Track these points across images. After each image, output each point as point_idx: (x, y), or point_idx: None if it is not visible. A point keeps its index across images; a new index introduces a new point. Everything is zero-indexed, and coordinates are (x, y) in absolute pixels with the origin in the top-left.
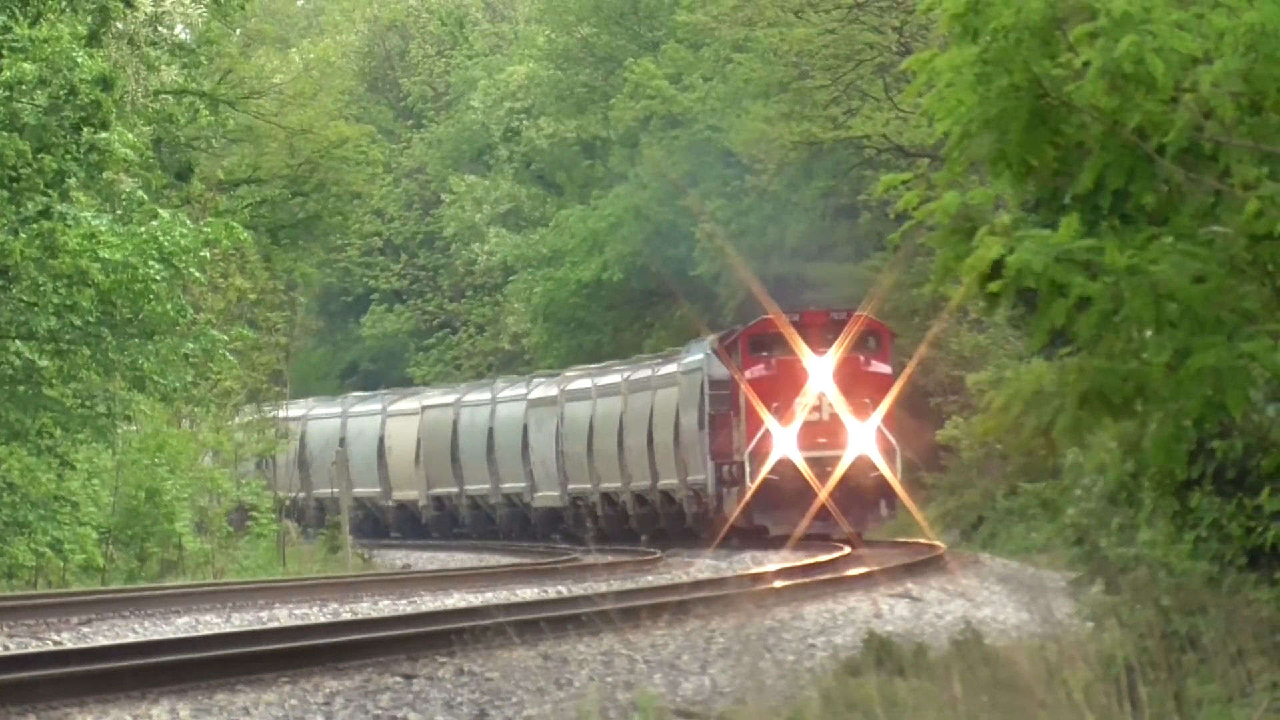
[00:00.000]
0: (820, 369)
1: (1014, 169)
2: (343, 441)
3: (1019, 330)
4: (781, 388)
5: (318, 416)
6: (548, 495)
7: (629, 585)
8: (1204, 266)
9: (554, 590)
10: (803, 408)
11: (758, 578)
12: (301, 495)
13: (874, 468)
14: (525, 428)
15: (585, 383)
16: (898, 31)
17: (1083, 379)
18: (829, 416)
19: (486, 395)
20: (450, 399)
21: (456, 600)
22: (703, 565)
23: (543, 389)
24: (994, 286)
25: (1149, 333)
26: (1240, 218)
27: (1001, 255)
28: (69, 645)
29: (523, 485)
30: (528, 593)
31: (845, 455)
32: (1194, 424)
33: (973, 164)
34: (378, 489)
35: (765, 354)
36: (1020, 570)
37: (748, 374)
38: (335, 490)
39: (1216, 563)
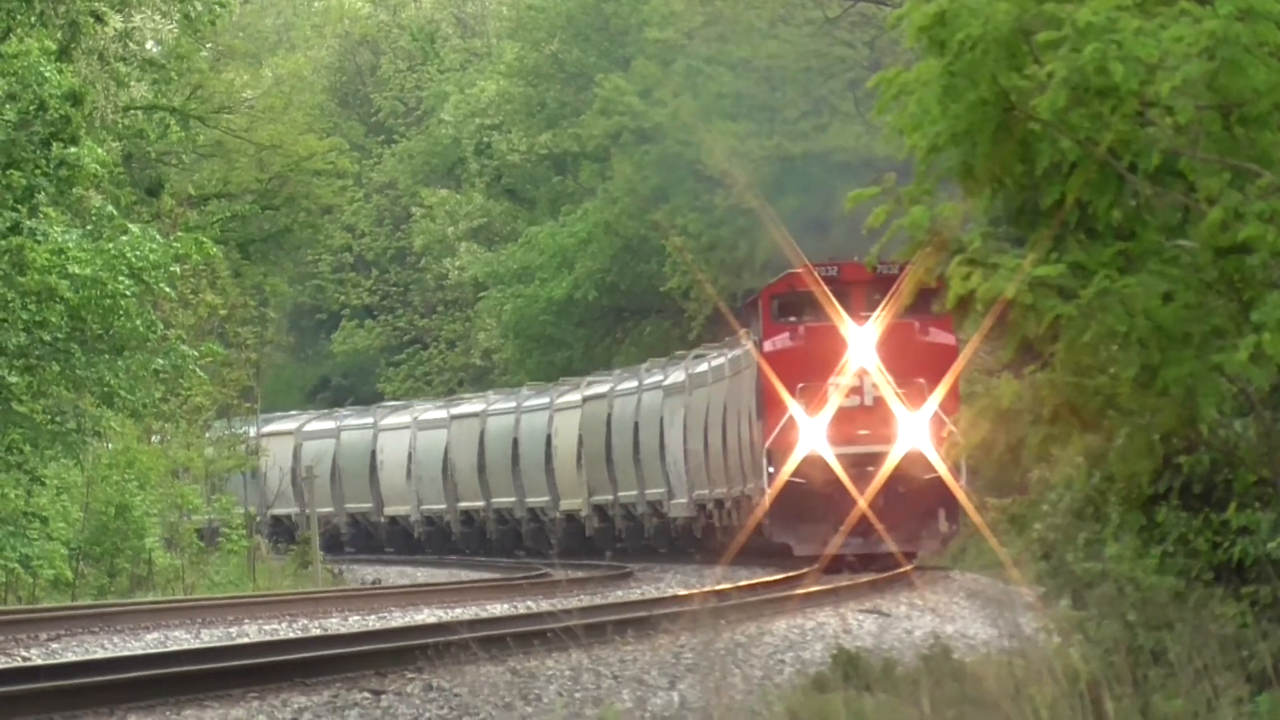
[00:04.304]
0: (861, 339)
1: (982, 183)
2: (516, 443)
3: (988, 343)
4: (811, 363)
5: (497, 412)
6: (680, 503)
7: (597, 600)
8: (1172, 285)
9: (523, 606)
10: (838, 390)
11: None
12: (480, 505)
13: (930, 468)
14: (661, 420)
15: (704, 366)
16: (869, 46)
17: (1054, 394)
18: (872, 401)
19: (634, 383)
20: (605, 388)
21: (426, 616)
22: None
23: (677, 373)
24: (971, 319)
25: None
26: (1205, 231)
27: (977, 286)
28: (38, 661)
29: (661, 491)
30: (497, 608)
31: (892, 451)
32: (1161, 438)
33: (941, 179)
34: (545, 498)
35: (791, 320)
36: (989, 585)
37: (768, 346)
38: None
39: (1183, 578)
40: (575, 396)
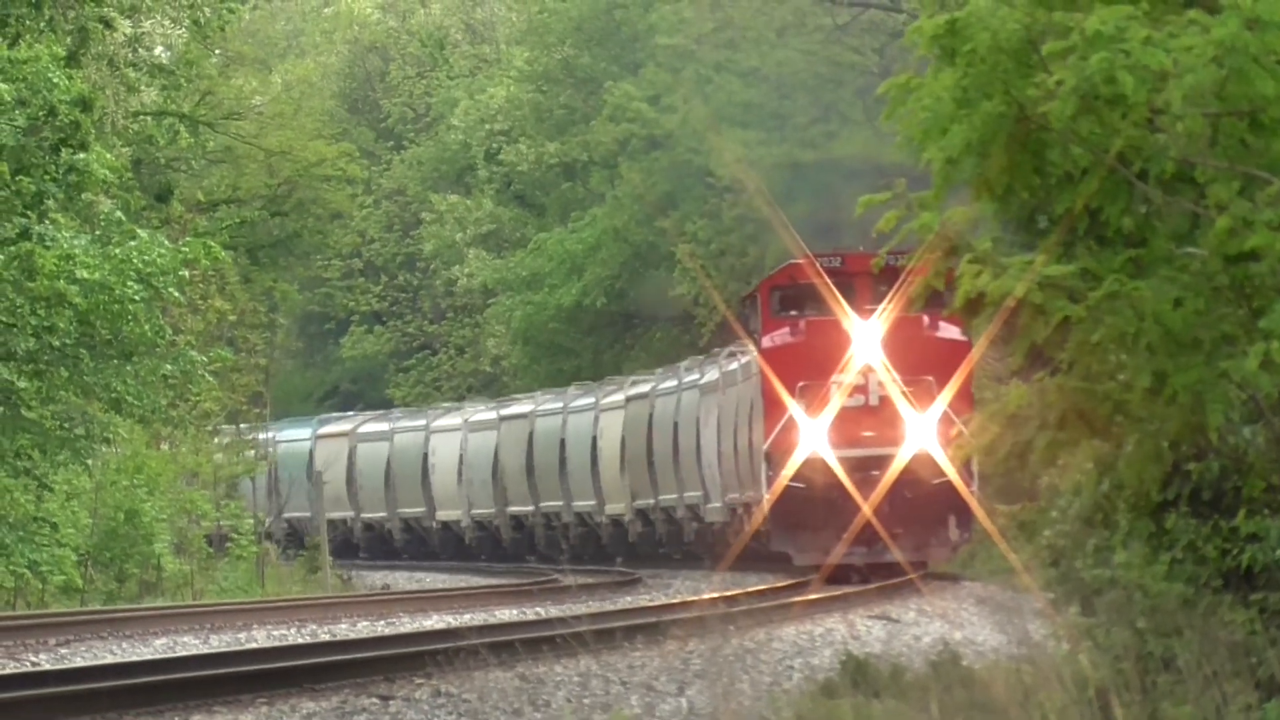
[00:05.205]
0: (867, 334)
1: (996, 192)
2: (563, 444)
3: (997, 349)
4: (812, 360)
5: (545, 413)
6: (715, 507)
7: (606, 607)
8: (1181, 291)
9: (532, 611)
10: (841, 388)
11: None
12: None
13: (939, 471)
14: (697, 421)
15: (735, 364)
16: (878, 53)
17: (1062, 399)
18: (877, 400)
19: (674, 382)
20: (648, 387)
21: (435, 621)
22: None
23: (712, 372)
24: (980, 320)
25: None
26: (1214, 239)
27: (987, 287)
28: (47, 666)
29: (698, 494)
30: (506, 614)
31: (899, 454)
32: (1170, 445)
33: (954, 186)
34: (592, 501)
35: (792, 314)
36: (998, 592)
37: (766, 342)
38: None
39: (1192, 585)
40: (619, 396)
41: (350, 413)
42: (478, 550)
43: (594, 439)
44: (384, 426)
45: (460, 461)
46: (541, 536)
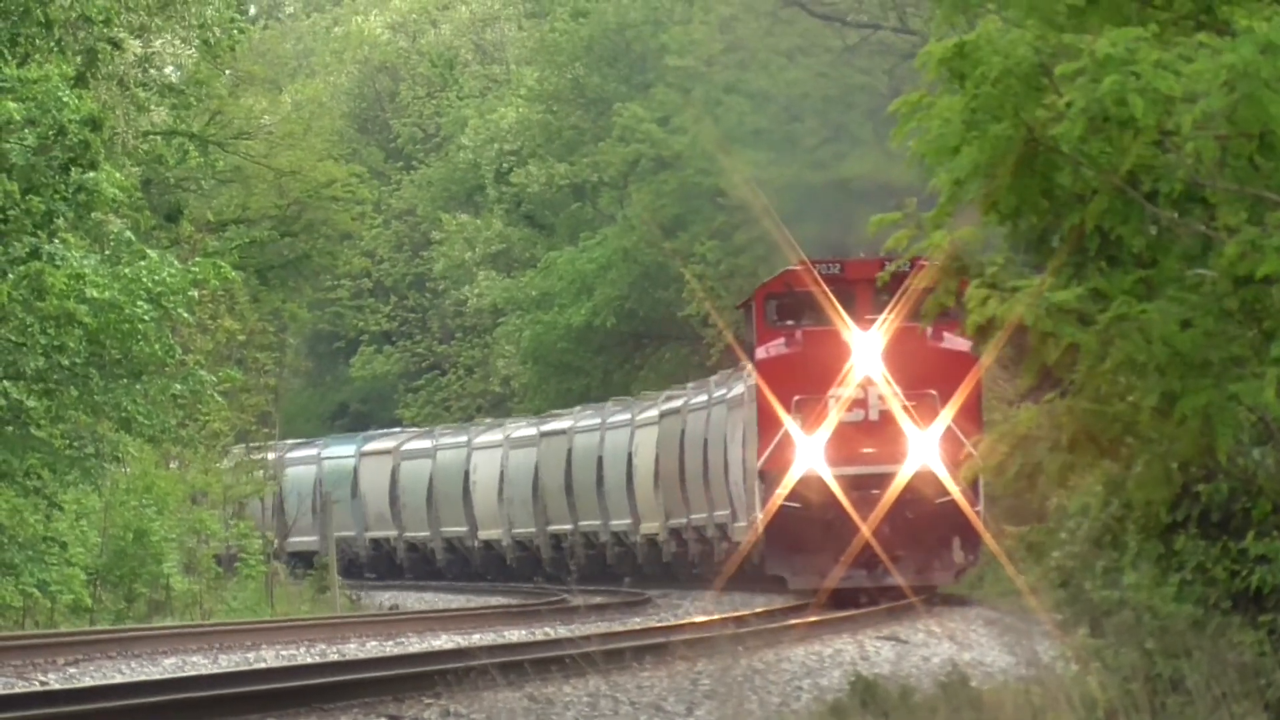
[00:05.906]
0: (866, 345)
1: (1005, 214)
2: (600, 461)
3: (1007, 371)
4: (809, 373)
5: (584, 429)
6: (741, 526)
7: (615, 627)
8: (1190, 312)
9: (541, 632)
10: (839, 403)
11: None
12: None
13: (942, 490)
14: (725, 436)
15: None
16: (888, 74)
17: (1073, 421)
18: (877, 415)
19: (705, 397)
20: (680, 402)
21: (444, 641)
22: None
23: (739, 387)
24: (989, 345)
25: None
26: (1224, 262)
27: (995, 313)
28: (56, 686)
29: (727, 512)
30: (515, 634)
31: (900, 472)
32: (1179, 467)
33: (961, 205)
34: (628, 520)
35: (789, 323)
36: (1007, 613)
37: (761, 353)
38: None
39: (1201, 606)
40: (654, 412)
41: (396, 429)
42: (519, 571)
43: (629, 456)
44: (427, 444)
45: (501, 479)
46: (582, 556)
